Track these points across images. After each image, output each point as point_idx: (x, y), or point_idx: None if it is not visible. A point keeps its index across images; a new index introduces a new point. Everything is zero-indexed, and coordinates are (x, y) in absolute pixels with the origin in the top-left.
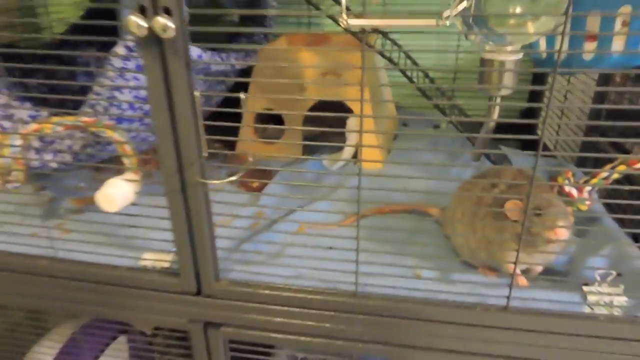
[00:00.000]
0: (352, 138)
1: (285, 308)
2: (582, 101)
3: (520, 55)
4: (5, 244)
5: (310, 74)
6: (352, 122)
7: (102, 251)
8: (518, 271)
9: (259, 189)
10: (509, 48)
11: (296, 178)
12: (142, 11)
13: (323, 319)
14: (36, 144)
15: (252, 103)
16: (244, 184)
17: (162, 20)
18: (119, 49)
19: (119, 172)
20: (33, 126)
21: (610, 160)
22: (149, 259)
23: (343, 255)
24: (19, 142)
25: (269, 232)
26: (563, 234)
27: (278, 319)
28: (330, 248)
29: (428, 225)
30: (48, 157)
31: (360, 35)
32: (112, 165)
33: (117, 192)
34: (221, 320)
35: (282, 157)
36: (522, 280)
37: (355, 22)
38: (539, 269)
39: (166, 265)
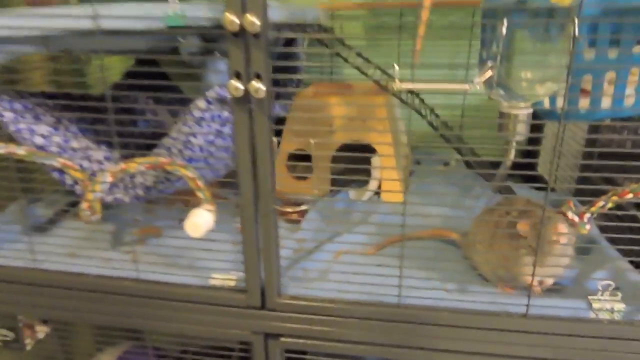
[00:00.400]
0: (376, 174)
1: (336, 318)
2: (577, 144)
3: (530, 110)
4: (85, 267)
5: (338, 118)
6: (376, 160)
7: (175, 272)
8: (534, 282)
9: (298, 220)
10: (522, 104)
11: (328, 210)
12: (238, 76)
13: (369, 327)
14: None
15: (286, 145)
16: (284, 214)
17: (256, 84)
18: (200, 103)
19: (168, 202)
20: (121, 166)
21: (604, 192)
22: (218, 278)
23: (379, 274)
24: (109, 179)
25: (310, 260)
26: (563, 229)
27: (330, 329)
28: (379, 265)
29: (449, 249)
30: (119, 192)
31: (387, 88)
32: (181, 197)
33: (201, 221)
34: (280, 331)
35: (312, 192)
36: (537, 289)
37: (405, 86)
38: (550, 281)
39: (232, 283)
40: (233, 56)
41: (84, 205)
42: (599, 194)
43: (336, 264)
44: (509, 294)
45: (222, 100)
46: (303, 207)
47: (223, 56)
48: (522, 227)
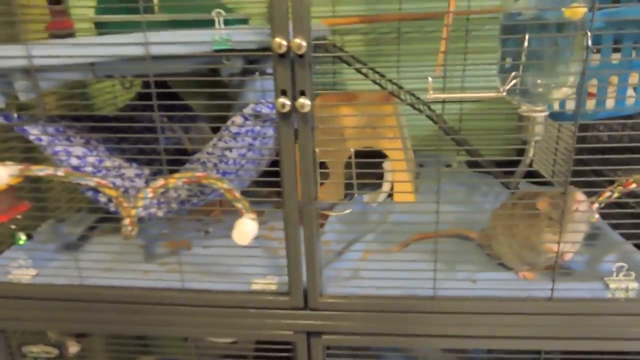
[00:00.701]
0: (388, 177)
1: (375, 313)
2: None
3: (547, 112)
4: (126, 280)
5: (349, 125)
6: (388, 165)
7: (218, 280)
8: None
9: (320, 224)
10: (539, 107)
11: (347, 214)
12: (284, 93)
13: (406, 319)
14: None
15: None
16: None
17: (302, 100)
18: (237, 119)
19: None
20: (161, 181)
21: (598, 184)
22: (260, 283)
23: (409, 270)
24: (150, 195)
25: (341, 260)
26: (582, 197)
27: (369, 324)
28: (414, 261)
29: (468, 245)
30: (153, 207)
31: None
32: (204, 209)
33: (248, 229)
34: (322, 329)
35: (326, 198)
36: (568, 255)
37: (438, 96)
38: (569, 256)
39: (274, 287)
40: (279, 75)
41: (126, 221)
42: (593, 185)
43: (366, 262)
44: (531, 280)
45: (256, 116)
46: (346, 212)
47: (264, 76)
48: (542, 204)
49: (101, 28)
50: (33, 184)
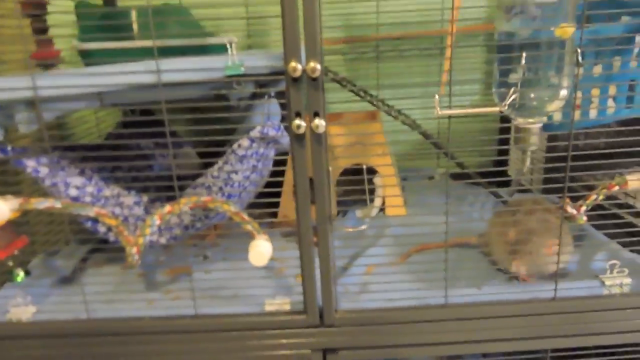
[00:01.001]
0: (380, 192)
1: (389, 325)
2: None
3: (541, 124)
4: (133, 311)
5: (338, 144)
6: (378, 180)
7: (226, 304)
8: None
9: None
10: (534, 119)
11: (343, 230)
12: (298, 115)
13: (419, 329)
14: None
15: (291, 173)
16: None
17: (317, 121)
18: (244, 142)
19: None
20: (167, 208)
21: (573, 190)
22: (274, 304)
23: (413, 280)
24: (158, 222)
25: (347, 276)
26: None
27: (384, 336)
28: (426, 272)
29: (469, 253)
30: (155, 235)
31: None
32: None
33: (265, 250)
34: (339, 345)
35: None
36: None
37: (446, 112)
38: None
39: (287, 307)
40: (293, 98)
41: (133, 249)
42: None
43: (371, 275)
44: (530, 284)
45: (263, 139)
46: (363, 228)
47: (276, 98)
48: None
49: (87, 57)
50: (22, 217)
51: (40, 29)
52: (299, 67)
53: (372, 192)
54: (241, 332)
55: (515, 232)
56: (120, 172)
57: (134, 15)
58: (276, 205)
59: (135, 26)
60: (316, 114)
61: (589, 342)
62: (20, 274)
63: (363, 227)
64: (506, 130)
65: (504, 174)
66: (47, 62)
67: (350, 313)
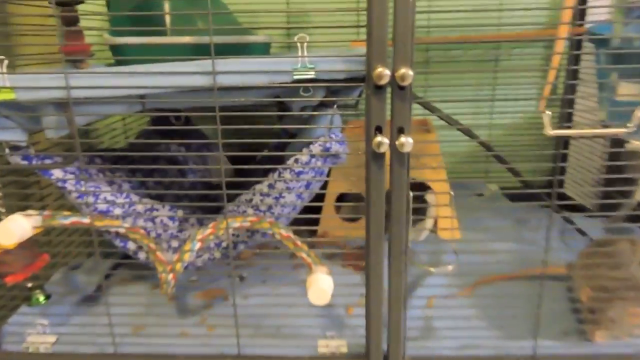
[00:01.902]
0: (432, 211)
1: None
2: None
3: None
4: (164, 346)
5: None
6: (431, 198)
7: (271, 342)
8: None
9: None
10: None
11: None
12: (379, 130)
13: None
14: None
15: (333, 186)
16: (351, 265)
17: (403, 139)
18: (304, 157)
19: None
20: (209, 230)
21: None
22: (328, 345)
23: (485, 318)
24: (198, 246)
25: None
26: None
27: None
28: (501, 308)
29: (550, 288)
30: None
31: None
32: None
33: (326, 286)
34: None
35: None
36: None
37: (559, 132)
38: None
39: (345, 349)
40: (375, 110)
41: (169, 276)
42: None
43: (434, 309)
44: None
45: (323, 154)
46: (449, 267)
47: (334, 109)
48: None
49: (119, 52)
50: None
51: (71, 19)
52: (387, 72)
53: (417, 210)
54: None
55: (593, 289)
56: (152, 181)
57: (166, 7)
58: (316, 221)
59: (167, 19)
60: (401, 130)
61: None
62: (40, 297)
63: (449, 267)
64: (616, 156)
65: (565, 196)
66: (77, 57)
67: None
